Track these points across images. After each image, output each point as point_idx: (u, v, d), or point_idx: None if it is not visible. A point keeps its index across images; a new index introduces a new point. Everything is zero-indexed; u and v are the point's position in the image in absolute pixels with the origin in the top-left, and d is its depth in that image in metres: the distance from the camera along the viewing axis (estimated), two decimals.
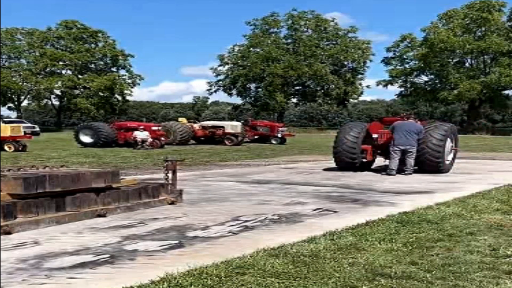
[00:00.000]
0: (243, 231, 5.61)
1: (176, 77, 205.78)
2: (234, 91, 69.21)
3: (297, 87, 71.18)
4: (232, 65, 67.92)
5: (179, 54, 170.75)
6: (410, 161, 12.31)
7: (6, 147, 20.86)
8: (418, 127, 12.53)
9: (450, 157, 13.35)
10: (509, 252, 4.63)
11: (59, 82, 63.60)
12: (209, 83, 70.83)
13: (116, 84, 65.43)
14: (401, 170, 12.27)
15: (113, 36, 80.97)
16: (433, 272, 4.00)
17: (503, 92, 63.96)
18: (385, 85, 69.95)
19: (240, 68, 66.21)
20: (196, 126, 30.92)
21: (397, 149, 12.28)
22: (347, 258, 4.38)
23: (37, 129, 45.12)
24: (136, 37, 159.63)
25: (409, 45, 67.90)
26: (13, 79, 60.53)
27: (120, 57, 69.06)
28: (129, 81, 70.10)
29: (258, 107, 67.78)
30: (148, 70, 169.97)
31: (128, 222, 6.06)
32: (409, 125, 12.55)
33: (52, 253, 4.56)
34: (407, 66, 68.77)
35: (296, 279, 3.79)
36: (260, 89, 68.14)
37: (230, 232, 5.57)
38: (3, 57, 64.54)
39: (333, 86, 66.73)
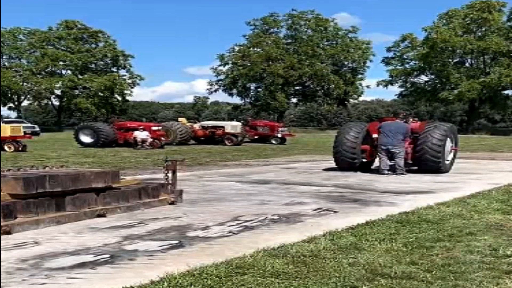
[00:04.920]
0: (243, 231, 5.61)
1: (179, 77, 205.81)
2: (234, 91, 69.21)
3: (297, 87, 71.14)
4: (232, 65, 67.89)
5: (182, 54, 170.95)
6: (398, 161, 12.26)
7: (6, 147, 20.85)
8: (403, 127, 12.43)
9: (450, 157, 13.35)
10: (509, 252, 4.63)
11: (60, 82, 63.63)
12: (209, 82, 70.88)
13: (116, 84, 65.45)
14: (394, 169, 12.28)
15: (118, 36, 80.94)
16: (433, 272, 4.00)
17: (503, 92, 63.94)
18: (385, 85, 69.98)
19: (240, 68, 66.18)
20: (196, 126, 30.92)
21: (380, 149, 12.33)
22: (347, 258, 4.38)
23: (37, 129, 45.11)
24: (138, 37, 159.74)
25: (410, 45, 67.90)
26: (14, 79, 60.52)
27: (120, 57, 69.10)
28: (129, 81, 70.16)
29: (258, 107, 67.75)
30: (151, 70, 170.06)
31: (128, 222, 6.06)
32: (395, 125, 12.53)
33: (52, 253, 4.56)
34: (407, 66, 68.77)
35: (296, 279, 3.79)
36: (260, 89, 68.12)
37: (230, 232, 5.57)
38: (4, 57, 64.60)
39: (334, 86, 66.71)
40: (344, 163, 13.01)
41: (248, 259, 4.26)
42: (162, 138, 25.79)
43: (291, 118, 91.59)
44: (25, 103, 70.68)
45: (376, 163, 13.73)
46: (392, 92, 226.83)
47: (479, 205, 7.32)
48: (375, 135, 13.00)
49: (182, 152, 21.07)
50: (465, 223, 6.02)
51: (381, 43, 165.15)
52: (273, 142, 31.93)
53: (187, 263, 4.15)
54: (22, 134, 22.79)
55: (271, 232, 5.59)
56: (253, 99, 69.59)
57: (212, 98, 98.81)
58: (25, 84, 63.15)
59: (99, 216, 6.23)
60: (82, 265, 4.20)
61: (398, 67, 68.96)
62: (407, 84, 69.90)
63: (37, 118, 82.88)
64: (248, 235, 5.44)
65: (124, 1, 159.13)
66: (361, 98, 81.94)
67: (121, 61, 69.74)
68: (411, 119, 13.38)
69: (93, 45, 68.54)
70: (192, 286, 3.60)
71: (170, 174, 7.48)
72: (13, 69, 63.34)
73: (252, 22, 69.10)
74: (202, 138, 30.18)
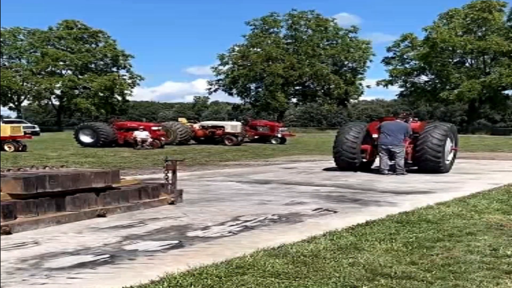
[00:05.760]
0: (243, 231, 5.61)
1: (179, 77, 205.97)
2: (234, 91, 69.20)
3: (297, 87, 71.13)
4: (232, 65, 67.88)
5: (182, 54, 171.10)
6: (398, 161, 12.27)
7: (6, 147, 20.85)
8: (404, 127, 12.45)
9: (450, 157, 13.35)
10: (509, 252, 4.63)
11: (60, 82, 63.63)
12: (209, 82, 70.86)
13: (116, 84, 65.44)
14: (394, 169, 12.29)
15: (118, 36, 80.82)
16: (433, 272, 4.00)
17: (503, 92, 63.93)
18: (385, 85, 69.97)
19: (240, 67, 66.15)
20: (196, 126, 30.92)
21: (380, 148, 12.34)
22: (347, 258, 4.38)
23: (37, 129, 45.13)
24: (138, 37, 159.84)
25: (410, 45, 67.89)
26: (14, 79, 60.51)
27: (120, 57, 69.10)
28: (129, 81, 70.15)
29: (258, 107, 67.73)
30: (151, 70, 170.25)
31: (128, 222, 6.05)
32: (395, 125, 12.54)
33: (52, 253, 4.56)
34: (407, 66, 68.79)
35: (296, 279, 3.79)
36: (260, 89, 68.10)
37: (230, 232, 5.57)
38: (4, 57, 64.61)
39: (334, 86, 66.68)
40: (344, 163, 13.01)
41: (248, 259, 4.26)
42: (162, 138, 25.78)
43: (291, 118, 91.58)
44: (25, 103, 70.72)
45: (376, 163, 13.73)
46: (392, 92, 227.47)
47: (479, 205, 7.32)
48: (375, 135, 13.00)
49: (182, 152, 21.07)
50: (465, 223, 6.02)
51: (381, 43, 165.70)
52: (273, 142, 31.93)
53: (187, 263, 4.15)
54: (22, 134, 22.77)
55: (271, 232, 5.59)
56: (253, 99, 69.54)
57: (212, 98, 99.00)
58: (25, 84, 63.12)
59: (99, 216, 6.23)
60: (82, 265, 4.20)
61: (398, 67, 68.96)
62: (407, 84, 69.91)
63: (37, 118, 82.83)
64: (248, 235, 5.44)
65: (124, 1, 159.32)
66: (361, 98, 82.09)
67: (121, 61, 69.72)
68: (411, 119, 13.38)
69: (93, 45, 68.53)
70: (192, 286, 3.60)
71: (170, 174, 7.48)
72: (13, 69, 63.32)
73: (252, 22, 69.10)
74: (202, 138, 30.18)
